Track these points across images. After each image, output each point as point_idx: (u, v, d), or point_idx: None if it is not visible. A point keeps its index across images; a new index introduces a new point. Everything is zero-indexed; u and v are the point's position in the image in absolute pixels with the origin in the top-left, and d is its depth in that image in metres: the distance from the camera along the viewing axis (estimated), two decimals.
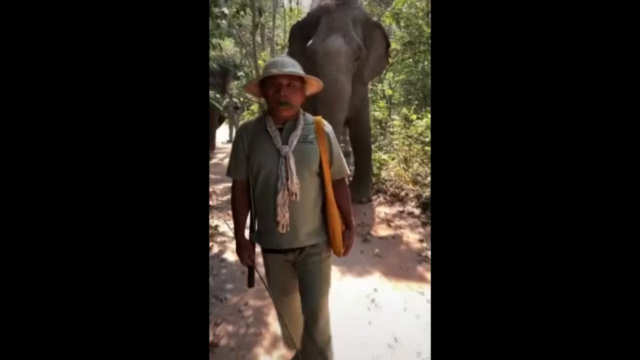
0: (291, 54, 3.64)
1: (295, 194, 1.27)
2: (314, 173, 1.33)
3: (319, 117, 1.40)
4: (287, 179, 1.26)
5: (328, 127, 1.39)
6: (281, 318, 1.55)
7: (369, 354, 1.78)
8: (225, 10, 3.71)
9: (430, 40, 5.63)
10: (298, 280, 1.43)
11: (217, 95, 6.51)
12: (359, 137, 4.26)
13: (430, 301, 2.24)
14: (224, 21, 4.37)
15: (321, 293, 1.40)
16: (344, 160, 1.43)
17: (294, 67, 1.29)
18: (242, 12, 3.87)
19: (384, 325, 2.01)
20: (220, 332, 1.98)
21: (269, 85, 1.29)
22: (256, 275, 1.45)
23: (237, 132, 1.40)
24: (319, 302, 1.39)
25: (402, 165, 4.85)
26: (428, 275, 2.58)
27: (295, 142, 1.30)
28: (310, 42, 3.39)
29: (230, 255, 2.93)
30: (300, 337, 1.50)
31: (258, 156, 1.31)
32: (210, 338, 1.92)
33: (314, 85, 1.39)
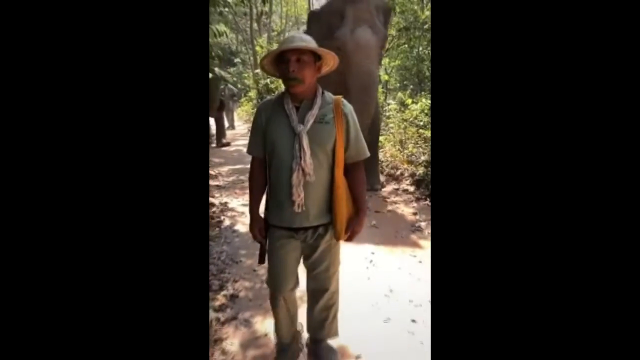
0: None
1: (309, 174, 1.28)
2: (329, 153, 1.32)
3: (339, 97, 1.37)
4: (300, 159, 1.27)
5: (348, 107, 1.36)
6: (275, 310, 1.51)
7: (369, 302, 2.08)
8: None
9: (424, 26, 5.82)
10: (306, 260, 1.45)
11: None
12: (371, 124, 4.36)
13: (421, 262, 2.55)
14: (226, 9, 4.49)
15: (329, 274, 1.44)
16: (364, 142, 1.40)
17: (302, 41, 1.27)
18: (245, 1, 4.02)
19: (381, 280, 2.31)
20: (239, 287, 2.27)
21: (281, 63, 1.29)
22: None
23: (257, 110, 1.43)
24: (329, 281, 1.44)
25: (397, 147, 5.12)
26: (420, 242, 2.88)
27: (311, 122, 1.29)
28: (338, 32, 3.37)
29: (242, 227, 3.21)
30: (292, 329, 1.55)
31: (274, 134, 1.32)
32: (230, 291, 2.21)
33: (330, 59, 1.35)
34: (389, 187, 4.29)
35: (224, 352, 1.73)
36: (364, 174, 1.43)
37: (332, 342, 1.60)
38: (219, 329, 1.89)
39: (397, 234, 3.06)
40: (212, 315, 1.99)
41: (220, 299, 2.13)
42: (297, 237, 1.38)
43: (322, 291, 1.46)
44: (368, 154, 1.42)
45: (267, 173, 1.41)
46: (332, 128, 1.31)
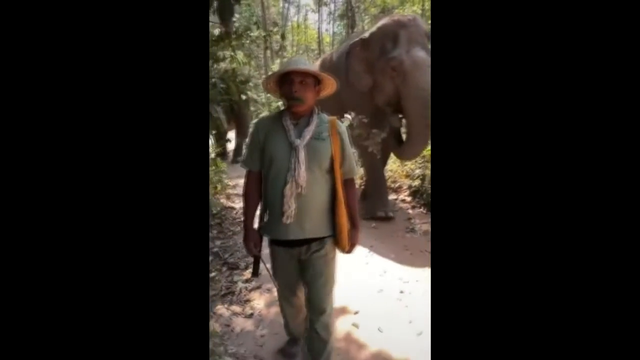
0: (352, 68, 3.79)
1: (302, 187, 1.32)
2: (324, 169, 1.38)
3: (334, 117, 1.46)
4: (295, 171, 1.31)
5: (342, 127, 1.45)
6: (283, 310, 1.66)
7: (366, 278, 2.57)
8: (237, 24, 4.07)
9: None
10: (303, 277, 1.47)
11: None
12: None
13: (412, 254, 3.04)
14: (248, 41, 5.10)
15: (325, 290, 1.45)
16: (354, 161, 1.50)
17: (306, 65, 1.37)
18: (254, 27, 4.38)
19: (377, 265, 2.81)
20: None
21: (284, 82, 1.37)
22: (262, 265, 1.54)
23: (254, 125, 1.49)
24: (324, 299, 1.44)
25: (397, 163, 5.65)
26: (412, 239, 3.36)
27: (308, 137, 1.35)
28: (394, 53, 3.43)
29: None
30: (301, 328, 1.61)
31: (272, 148, 1.37)
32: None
33: (329, 85, 1.44)
34: (389, 197, 4.80)
35: (252, 308, 2.24)
36: (355, 189, 1.52)
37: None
38: (248, 294, 2.39)
39: (393, 233, 3.55)
40: (241, 285, 2.49)
41: (246, 275, 2.64)
42: (292, 252, 1.42)
43: (319, 312, 1.45)
44: (357, 173, 1.53)
45: (261, 187, 1.46)
46: (328, 145, 1.38)
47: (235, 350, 1.85)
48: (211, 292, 2.35)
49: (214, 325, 1.96)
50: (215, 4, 2.02)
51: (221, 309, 2.20)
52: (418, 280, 2.54)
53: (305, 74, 1.35)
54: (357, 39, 3.90)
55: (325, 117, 1.45)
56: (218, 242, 3.17)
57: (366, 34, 3.80)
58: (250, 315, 2.17)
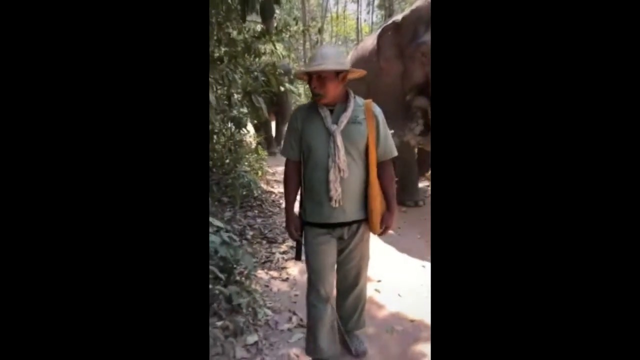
0: (383, 54, 3.66)
1: (344, 170, 1.37)
2: (361, 152, 1.42)
3: (369, 100, 1.48)
4: (336, 156, 1.36)
5: (377, 109, 1.47)
6: (312, 322, 1.57)
7: (392, 252, 2.82)
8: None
9: None
10: (339, 256, 1.53)
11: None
12: None
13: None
14: (287, 35, 5.36)
15: (361, 266, 1.56)
16: (392, 142, 1.51)
17: (321, 63, 1.37)
18: (293, 23, 4.48)
19: (403, 244, 3.04)
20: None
21: (309, 78, 1.43)
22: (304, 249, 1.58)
23: (292, 115, 1.54)
24: (360, 274, 1.57)
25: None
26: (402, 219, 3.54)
27: (344, 122, 1.39)
28: (425, 37, 3.25)
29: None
30: (330, 345, 1.57)
31: (310, 135, 1.42)
32: (288, 243, 3.03)
33: (354, 72, 1.47)
34: (422, 185, 4.95)
35: (287, 274, 2.56)
36: (393, 172, 1.54)
37: (361, 331, 1.73)
38: (284, 262, 2.72)
39: (421, 217, 3.74)
40: (278, 255, 2.82)
41: (283, 247, 2.97)
42: (333, 234, 1.48)
43: (352, 286, 1.58)
44: (396, 153, 1.53)
45: (301, 174, 1.51)
46: (364, 128, 1.42)
47: (273, 305, 2.17)
48: (253, 260, 2.70)
49: (256, 286, 2.30)
50: (257, 5, 2.30)
51: (261, 273, 2.54)
52: None
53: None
54: (389, 22, 3.73)
55: (361, 100, 1.49)
56: (259, 220, 3.53)
57: (399, 17, 3.63)
58: (286, 279, 2.50)
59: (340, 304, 1.65)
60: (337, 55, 1.42)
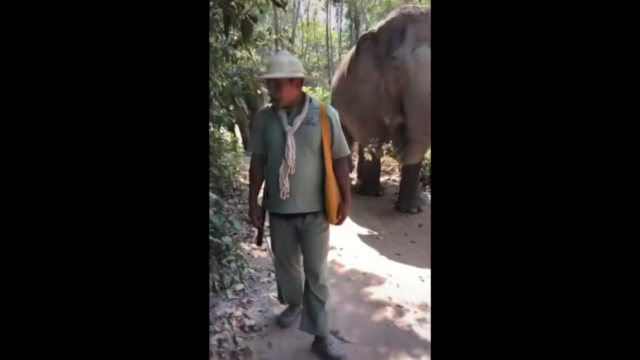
0: (361, 62, 3.60)
1: (291, 167, 1.51)
2: (315, 150, 1.56)
3: (323, 103, 1.62)
4: (287, 154, 1.51)
5: (331, 111, 1.60)
6: (278, 278, 1.86)
7: (352, 228, 3.40)
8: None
9: None
10: (301, 245, 1.69)
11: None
12: None
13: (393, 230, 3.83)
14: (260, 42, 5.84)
15: (320, 256, 1.66)
16: (345, 142, 1.64)
17: (278, 67, 1.50)
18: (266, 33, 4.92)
19: (364, 223, 3.63)
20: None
21: (268, 83, 1.56)
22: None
23: (256, 116, 1.70)
24: (319, 265, 1.66)
25: None
26: (395, 220, 4.16)
27: (298, 124, 1.53)
28: (398, 52, 3.15)
29: None
30: (294, 296, 1.84)
31: (269, 135, 1.58)
32: None
33: (306, 77, 1.60)
34: (382, 179, 5.59)
35: (266, 246, 3.08)
36: (347, 168, 1.68)
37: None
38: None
39: (381, 204, 4.36)
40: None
41: None
42: (289, 224, 1.64)
43: (315, 276, 1.67)
44: (349, 152, 1.68)
45: (264, 168, 1.68)
46: (318, 128, 1.55)
47: (254, 266, 2.69)
48: (235, 236, 3.19)
49: (241, 251, 2.80)
50: (238, 22, 2.76)
51: (244, 245, 3.04)
52: (392, 232, 3.36)
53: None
54: (367, 32, 3.70)
55: (316, 103, 1.61)
56: (239, 206, 4.02)
57: (376, 27, 3.58)
58: (265, 250, 3.01)
59: (306, 300, 1.74)
60: (291, 64, 1.53)
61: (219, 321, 1.98)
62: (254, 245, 3.05)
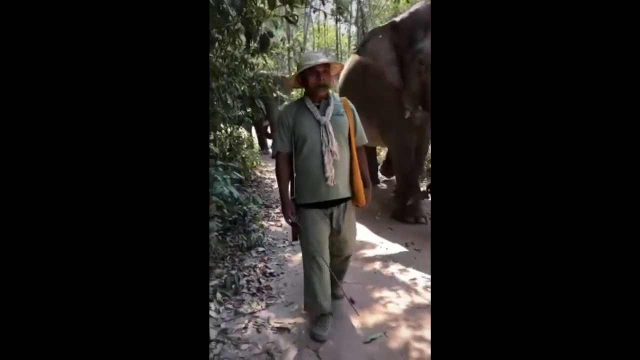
0: (380, 59, 3.22)
1: (336, 154, 1.61)
2: (345, 138, 1.69)
3: (344, 97, 1.78)
4: (329, 142, 1.60)
5: (352, 105, 1.76)
6: (311, 280, 1.77)
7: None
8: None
9: None
10: (334, 230, 1.75)
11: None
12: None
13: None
14: (275, 51, 6.41)
15: (352, 236, 1.84)
16: (363, 132, 1.80)
17: (324, 57, 1.63)
18: (280, 44, 5.42)
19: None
20: None
21: (308, 75, 1.64)
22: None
23: (281, 114, 1.72)
24: (352, 242, 1.85)
25: None
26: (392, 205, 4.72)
27: (330, 114, 1.64)
28: (423, 45, 2.95)
29: None
30: (326, 298, 1.79)
31: (303, 128, 1.63)
32: None
33: (338, 69, 1.77)
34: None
35: (281, 224, 3.70)
36: (364, 155, 1.82)
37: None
38: (278, 217, 3.85)
39: (379, 197, 4.93)
40: (273, 213, 3.95)
41: (277, 210, 4.10)
42: (326, 212, 1.71)
43: (343, 252, 1.87)
44: (367, 141, 1.83)
45: (292, 166, 1.74)
46: (345, 119, 1.70)
47: (272, 237, 3.30)
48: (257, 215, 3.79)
49: (264, 223, 3.42)
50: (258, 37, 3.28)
51: (263, 222, 3.66)
52: (388, 212, 3.93)
53: (325, 64, 1.63)
54: (386, 24, 3.37)
55: (338, 97, 1.81)
56: (257, 194, 4.66)
57: (397, 18, 3.28)
58: (280, 226, 3.63)
59: (332, 264, 1.87)
60: (326, 55, 1.79)
61: (247, 269, 2.60)
62: (271, 223, 3.68)
